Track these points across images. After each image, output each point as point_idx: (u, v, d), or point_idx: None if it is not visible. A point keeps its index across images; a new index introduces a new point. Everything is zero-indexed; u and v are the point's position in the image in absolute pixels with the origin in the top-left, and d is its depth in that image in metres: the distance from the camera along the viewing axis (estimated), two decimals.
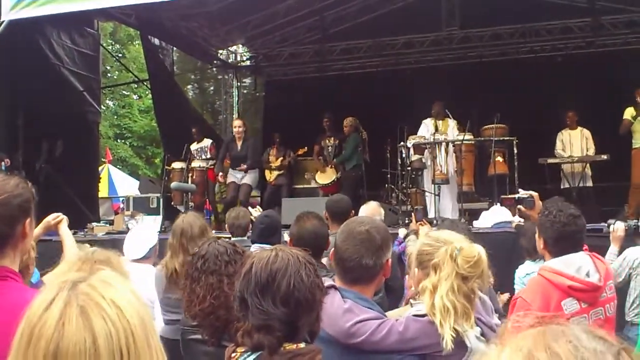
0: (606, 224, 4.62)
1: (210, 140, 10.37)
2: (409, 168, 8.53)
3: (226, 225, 5.38)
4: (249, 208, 5.59)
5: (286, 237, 4.17)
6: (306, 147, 10.35)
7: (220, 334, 2.63)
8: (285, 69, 13.73)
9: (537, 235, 3.02)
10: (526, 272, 4.25)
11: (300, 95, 12.47)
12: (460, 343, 2.06)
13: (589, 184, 9.09)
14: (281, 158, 10.14)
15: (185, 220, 3.68)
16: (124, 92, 23.95)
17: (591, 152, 9.14)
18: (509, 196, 4.95)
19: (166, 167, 10.12)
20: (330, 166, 9.90)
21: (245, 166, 9.40)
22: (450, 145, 8.35)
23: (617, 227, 4.40)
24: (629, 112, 8.73)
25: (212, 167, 10.00)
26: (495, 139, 8.13)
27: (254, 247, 3.91)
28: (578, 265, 2.80)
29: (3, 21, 7.98)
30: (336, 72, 13.09)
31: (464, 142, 8.19)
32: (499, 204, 6.66)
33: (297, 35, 12.99)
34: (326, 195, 8.80)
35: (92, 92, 10.85)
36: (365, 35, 12.42)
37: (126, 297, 1.09)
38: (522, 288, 3.81)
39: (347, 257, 2.21)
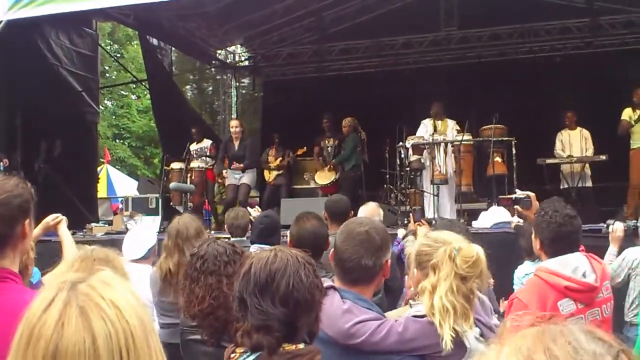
0: (605, 225, 4.62)
1: (210, 141, 10.35)
2: (408, 168, 8.53)
3: (225, 226, 5.38)
4: (248, 208, 5.58)
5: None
6: (305, 148, 10.35)
7: (219, 335, 2.63)
8: (283, 69, 13.73)
9: (533, 236, 3.02)
10: (525, 273, 4.24)
11: (299, 95, 12.47)
12: (459, 343, 2.06)
13: (589, 184, 9.09)
14: (280, 158, 10.14)
15: (180, 221, 3.68)
16: (122, 92, 23.94)
17: (590, 152, 9.14)
18: (506, 196, 4.95)
19: (165, 167, 10.10)
20: (329, 166, 9.90)
21: (241, 165, 9.39)
22: (449, 145, 8.35)
23: (616, 228, 4.40)
24: (627, 113, 8.73)
25: (211, 167, 10.00)
26: (494, 139, 8.14)
27: (254, 248, 3.91)
28: (574, 265, 2.80)
29: (1, 21, 7.97)
30: (335, 72, 13.10)
31: (462, 142, 8.19)
32: (496, 204, 6.67)
33: (296, 35, 13.00)
34: (325, 195, 8.79)
35: (90, 92, 10.84)
36: (364, 36, 12.43)
37: (125, 297, 1.09)
38: (519, 288, 3.81)
39: (346, 258, 2.22)
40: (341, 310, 2.13)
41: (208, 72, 17.08)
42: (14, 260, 1.86)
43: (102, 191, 14.47)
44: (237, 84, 14.86)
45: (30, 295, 1.41)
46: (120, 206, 13.37)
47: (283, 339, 1.70)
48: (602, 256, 3.97)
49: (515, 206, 3.98)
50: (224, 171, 9.79)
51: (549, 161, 8.98)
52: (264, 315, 1.70)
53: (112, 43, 23.16)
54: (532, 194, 3.97)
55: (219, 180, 10.51)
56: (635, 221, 4.54)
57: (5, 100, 8.98)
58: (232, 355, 1.78)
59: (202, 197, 9.97)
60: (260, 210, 5.74)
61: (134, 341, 1.05)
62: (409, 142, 8.41)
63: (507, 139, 8.32)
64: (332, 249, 2.34)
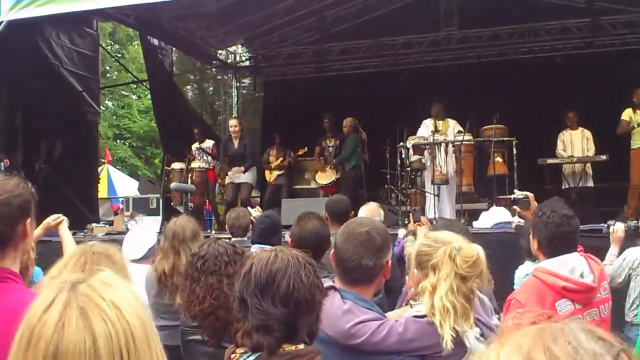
0: (606, 225, 4.61)
1: (212, 141, 10.34)
2: (409, 168, 8.53)
3: (226, 226, 5.38)
4: (249, 208, 5.58)
5: (287, 237, 4.17)
6: (306, 148, 10.35)
7: (220, 335, 2.63)
8: (284, 69, 13.73)
9: (531, 236, 3.01)
10: (526, 273, 4.23)
11: (299, 95, 12.47)
12: (459, 343, 2.06)
13: (590, 184, 9.09)
14: (281, 158, 10.14)
15: (177, 223, 3.66)
16: (123, 92, 23.95)
17: (591, 152, 9.13)
18: (504, 197, 4.94)
19: (165, 167, 10.10)
20: (329, 166, 9.90)
21: (242, 168, 9.37)
22: (450, 145, 8.34)
23: (617, 228, 4.40)
24: (627, 113, 8.71)
25: (212, 167, 9.99)
26: (495, 139, 8.14)
27: (254, 248, 3.91)
28: (572, 266, 2.79)
29: (2, 21, 7.97)
30: (335, 72, 13.10)
31: (463, 142, 8.19)
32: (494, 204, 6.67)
33: (296, 35, 13.00)
34: (326, 195, 8.80)
35: (91, 92, 10.84)
36: (364, 36, 12.43)
37: (126, 298, 1.09)
38: (516, 289, 3.81)
39: (347, 258, 2.21)
40: (342, 311, 2.13)
41: (209, 72, 17.08)
42: (15, 260, 1.86)
43: (102, 191, 14.47)
44: (238, 84, 14.86)
45: (31, 295, 1.42)
46: (121, 206, 13.35)
47: (283, 340, 1.70)
48: (602, 257, 3.97)
49: (514, 206, 3.97)
50: (227, 171, 9.76)
51: (549, 161, 8.98)
52: (264, 315, 1.71)
53: (113, 43, 23.17)
54: (530, 194, 3.97)
55: (219, 181, 10.51)
56: (636, 221, 4.54)
57: (5, 100, 8.98)
58: (233, 356, 1.78)
59: (203, 198, 9.97)
60: (261, 210, 5.73)
61: (135, 341, 1.05)
62: (409, 142, 8.41)
63: (507, 139, 8.31)
64: (333, 249, 2.34)
